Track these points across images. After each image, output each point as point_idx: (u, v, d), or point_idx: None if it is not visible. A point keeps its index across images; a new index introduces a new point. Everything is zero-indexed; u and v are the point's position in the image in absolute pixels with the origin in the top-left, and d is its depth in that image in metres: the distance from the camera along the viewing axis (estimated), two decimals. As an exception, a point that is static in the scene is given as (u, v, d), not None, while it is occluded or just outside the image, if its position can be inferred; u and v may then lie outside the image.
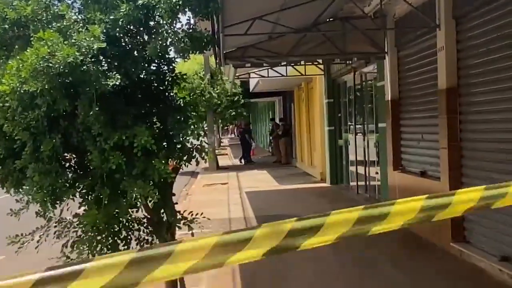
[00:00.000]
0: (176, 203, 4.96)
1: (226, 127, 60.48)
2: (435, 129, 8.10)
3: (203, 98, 4.94)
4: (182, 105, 4.46)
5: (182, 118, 4.30)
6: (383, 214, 1.68)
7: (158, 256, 1.49)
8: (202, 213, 4.81)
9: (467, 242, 7.48)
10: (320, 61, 13.88)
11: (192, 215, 4.78)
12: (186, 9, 4.12)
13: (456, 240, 7.56)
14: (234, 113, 25.56)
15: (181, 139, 4.25)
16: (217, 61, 9.00)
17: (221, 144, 45.56)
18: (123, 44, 4.27)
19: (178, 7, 3.88)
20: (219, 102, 23.49)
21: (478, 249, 7.12)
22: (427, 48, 8.55)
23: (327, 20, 10.47)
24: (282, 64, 13.59)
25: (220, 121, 29.63)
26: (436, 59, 7.97)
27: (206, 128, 22.44)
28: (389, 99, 10.11)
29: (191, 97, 4.79)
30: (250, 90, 23.76)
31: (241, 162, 26.15)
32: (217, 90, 21.15)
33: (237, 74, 17.14)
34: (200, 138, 4.54)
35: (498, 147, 6.67)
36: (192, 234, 4.85)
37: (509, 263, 6.39)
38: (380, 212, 1.69)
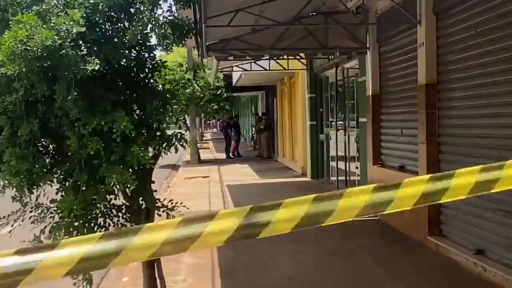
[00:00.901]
0: (155, 190, 4.94)
1: (208, 122, 60.36)
2: (415, 124, 8.19)
3: (186, 91, 4.94)
4: (161, 91, 4.45)
5: (160, 104, 4.29)
6: (330, 210, 1.72)
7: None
8: (182, 202, 4.81)
9: (443, 235, 7.58)
10: (303, 55, 13.91)
11: (172, 203, 4.78)
12: (167, -4, 4.12)
13: (433, 234, 7.67)
14: (216, 106, 25.50)
15: (159, 125, 4.24)
16: (199, 52, 8.98)
17: (204, 138, 45.47)
18: (104, 29, 4.24)
19: (159, -7, 3.87)
20: (202, 95, 23.53)
21: (453, 243, 7.22)
22: (408, 43, 8.63)
23: (310, 14, 10.51)
24: (265, 58, 13.61)
25: (202, 114, 29.53)
26: (416, 55, 8.04)
27: (188, 121, 22.26)
28: (370, 94, 10.18)
29: (172, 85, 4.78)
30: (233, 84, 23.75)
31: (236, 155, 26.17)
32: (200, 83, 21.21)
33: (220, 67, 17.12)
34: (179, 123, 4.54)
35: (476, 142, 6.76)
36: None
37: (483, 256, 6.49)
38: (328, 208, 1.72)
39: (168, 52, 4.90)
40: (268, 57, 13.75)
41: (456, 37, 7.17)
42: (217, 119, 54.28)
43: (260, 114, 26.60)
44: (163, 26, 4.13)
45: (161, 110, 4.23)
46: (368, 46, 10.32)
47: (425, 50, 7.71)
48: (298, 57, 14.39)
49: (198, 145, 26.62)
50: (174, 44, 4.60)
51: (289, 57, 14.67)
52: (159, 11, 4.18)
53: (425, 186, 1.81)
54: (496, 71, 6.26)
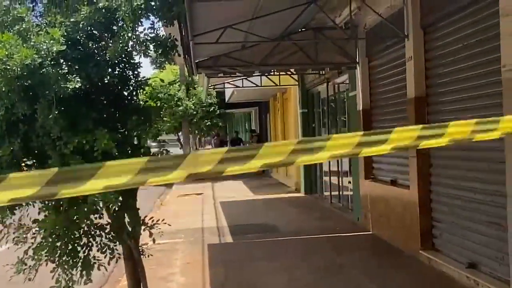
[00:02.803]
0: (139, 208, 4.88)
1: (204, 138, 60.12)
2: (405, 138, 8.15)
3: (179, 108, 4.94)
4: (142, 107, 4.42)
5: (142, 120, 4.26)
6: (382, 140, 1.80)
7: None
8: (163, 219, 4.76)
9: (436, 249, 7.53)
10: (294, 71, 13.94)
11: (153, 221, 4.73)
12: (149, 14, 4.09)
13: (425, 248, 7.61)
14: (209, 123, 25.47)
15: (139, 140, 4.20)
16: (188, 69, 8.98)
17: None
18: (86, 47, 4.22)
19: (140, 11, 3.86)
20: (194, 112, 23.51)
21: (446, 257, 7.17)
22: (396, 58, 8.64)
23: (299, 30, 10.54)
24: (256, 74, 13.62)
25: (196, 132, 29.47)
26: (405, 69, 8.05)
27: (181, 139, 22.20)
28: (361, 108, 10.18)
29: (157, 103, 4.76)
30: (226, 101, 23.77)
31: None
32: (192, 100, 21.23)
33: (212, 84, 17.12)
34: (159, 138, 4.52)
35: (465, 155, 6.74)
36: (154, 241, 4.80)
37: (475, 270, 6.44)
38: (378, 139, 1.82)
39: (161, 70, 4.88)
40: (259, 73, 13.77)
41: (443, 51, 7.18)
42: (211, 136, 54.09)
43: (251, 131, 26.67)
44: (143, 43, 4.11)
45: (141, 126, 4.19)
46: (357, 60, 10.34)
47: (414, 63, 7.73)
48: (289, 72, 14.42)
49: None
50: (166, 62, 4.59)
51: (281, 73, 14.70)
52: (141, 29, 4.16)
53: (420, 132, 1.93)
54: (483, 84, 6.25)
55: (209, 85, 15.92)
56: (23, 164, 4.37)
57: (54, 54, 3.68)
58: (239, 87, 17.22)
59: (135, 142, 4.25)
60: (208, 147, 66.91)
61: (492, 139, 5.95)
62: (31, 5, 4.20)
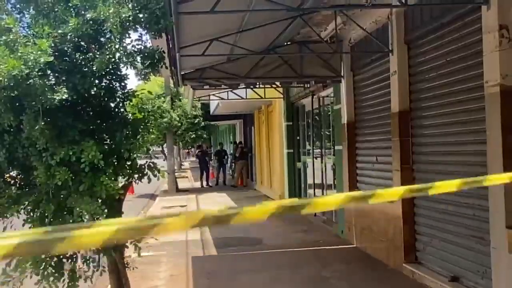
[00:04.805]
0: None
1: (188, 150, 59.99)
2: (389, 151, 8.24)
3: (164, 120, 4.94)
4: (131, 120, 4.42)
5: (131, 133, 4.26)
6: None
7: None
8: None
9: (419, 263, 7.58)
10: (279, 84, 14.01)
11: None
12: (137, 26, 4.11)
13: (408, 261, 7.66)
14: (194, 135, 25.40)
15: (129, 154, 4.19)
16: (174, 81, 8.99)
17: (182, 167, 45.19)
18: (73, 58, 4.22)
19: (128, 23, 3.87)
20: (179, 124, 23.45)
21: (429, 270, 7.22)
22: (381, 72, 8.73)
23: (285, 43, 10.61)
24: (241, 86, 13.66)
25: (180, 143, 29.37)
26: (389, 83, 8.14)
27: (165, 150, 22.14)
28: (345, 122, 10.25)
29: (144, 115, 4.76)
30: (211, 113, 23.75)
31: (217, 184, 26.11)
32: (177, 112, 21.12)
33: (197, 96, 17.13)
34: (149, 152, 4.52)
35: (447, 169, 6.81)
36: (139, 254, 4.78)
37: (458, 283, 6.49)
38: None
39: (146, 82, 4.89)
40: (244, 86, 13.80)
41: (427, 66, 7.28)
42: (195, 148, 53.92)
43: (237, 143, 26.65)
44: (131, 55, 4.12)
45: (131, 139, 4.19)
46: (342, 74, 10.43)
47: (398, 78, 7.81)
48: (274, 85, 14.47)
49: (176, 174, 26.42)
50: (152, 73, 4.59)
51: (266, 86, 14.76)
52: (128, 40, 4.17)
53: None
54: (466, 98, 6.34)
55: (194, 97, 15.93)
56: (7, 175, 4.35)
57: (41, 65, 3.67)
58: (224, 99, 17.24)
59: (125, 156, 4.23)
60: (193, 159, 66.65)
61: (473, 152, 6.05)
62: (18, 16, 4.20)
